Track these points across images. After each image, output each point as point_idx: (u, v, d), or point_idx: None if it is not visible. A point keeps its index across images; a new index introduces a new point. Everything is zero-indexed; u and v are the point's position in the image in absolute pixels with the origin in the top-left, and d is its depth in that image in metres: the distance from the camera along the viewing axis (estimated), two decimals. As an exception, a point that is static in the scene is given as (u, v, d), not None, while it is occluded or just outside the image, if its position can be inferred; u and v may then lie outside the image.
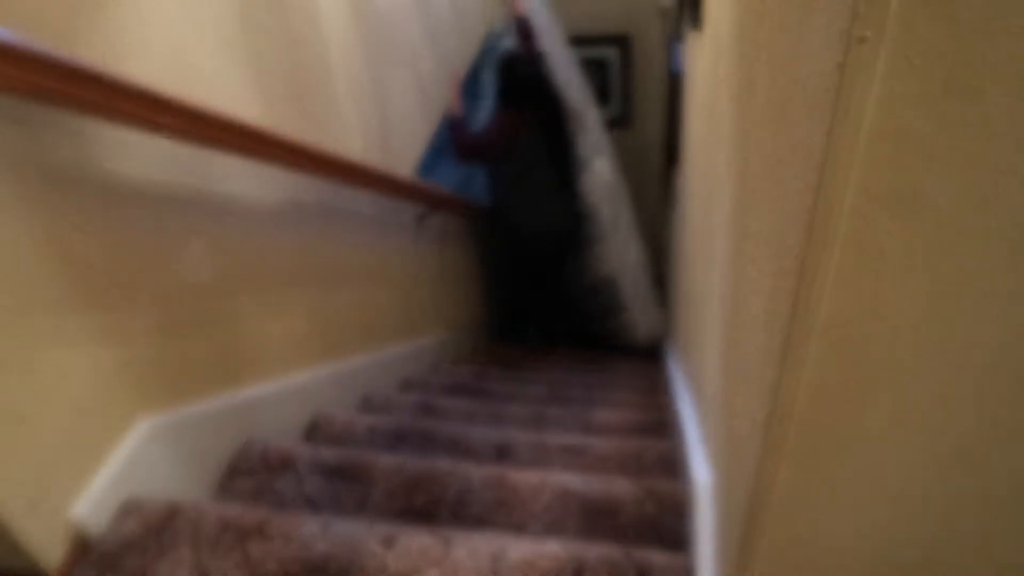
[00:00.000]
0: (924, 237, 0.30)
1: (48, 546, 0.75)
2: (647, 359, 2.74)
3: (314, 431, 1.32)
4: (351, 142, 1.55)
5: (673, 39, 2.10)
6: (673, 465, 1.20)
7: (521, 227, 2.50)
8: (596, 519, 0.98)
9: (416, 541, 0.80)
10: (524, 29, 2.47)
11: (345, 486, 1.04)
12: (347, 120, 1.52)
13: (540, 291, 2.82)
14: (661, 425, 1.47)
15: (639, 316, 2.74)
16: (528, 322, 3.05)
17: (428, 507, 1.01)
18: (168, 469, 0.94)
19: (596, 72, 3.56)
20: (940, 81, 0.27)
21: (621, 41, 3.47)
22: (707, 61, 0.97)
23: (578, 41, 3.50)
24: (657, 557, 0.79)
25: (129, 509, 0.84)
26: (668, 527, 0.96)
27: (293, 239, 1.28)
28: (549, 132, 2.44)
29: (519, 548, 0.80)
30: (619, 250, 2.67)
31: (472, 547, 0.79)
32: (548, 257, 2.64)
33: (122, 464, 0.84)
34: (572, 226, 2.58)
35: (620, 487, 1.01)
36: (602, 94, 3.60)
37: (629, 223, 2.73)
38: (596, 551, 0.80)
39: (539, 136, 2.41)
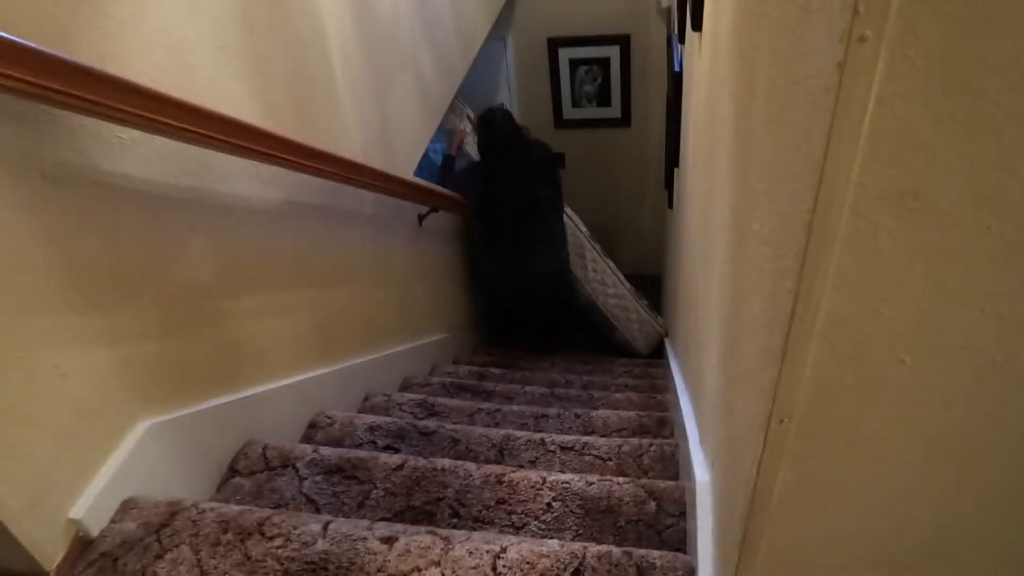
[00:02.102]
0: (924, 237, 0.30)
1: (48, 546, 0.75)
2: (647, 358, 2.76)
3: (314, 431, 1.32)
4: (351, 141, 1.55)
5: (674, 39, 2.10)
6: (673, 464, 1.20)
7: (500, 288, 2.54)
8: (596, 518, 0.98)
9: (416, 540, 0.80)
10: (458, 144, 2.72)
11: (345, 485, 1.04)
12: (348, 120, 1.52)
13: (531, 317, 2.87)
14: (661, 424, 1.47)
15: (633, 331, 2.85)
16: (520, 327, 3.06)
17: (428, 506, 1.01)
18: (168, 468, 0.94)
19: (596, 72, 3.56)
20: (940, 81, 0.27)
21: (621, 41, 3.46)
22: (707, 61, 0.97)
23: (578, 41, 3.50)
24: (657, 557, 0.79)
25: (129, 508, 0.84)
26: (668, 527, 0.96)
27: (293, 239, 1.28)
28: (525, 183, 2.45)
29: (519, 547, 0.80)
30: (592, 282, 2.84)
31: (472, 546, 0.79)
32: (533, 306, 2.68)
33: (122, 464, 0.84)
34: (554, 279, 2.61)
35: (620, 486, 1.01)
36: (602, 94, 3.60)
37: (595, 258, 2.87)
38: (596, 550, 0.80)
39: (517, 190, 2.42)
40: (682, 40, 1.71)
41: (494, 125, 2.39)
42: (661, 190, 3.00)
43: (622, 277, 2.91)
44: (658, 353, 2.79)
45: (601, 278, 2.86)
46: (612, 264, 2.89)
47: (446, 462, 1.07)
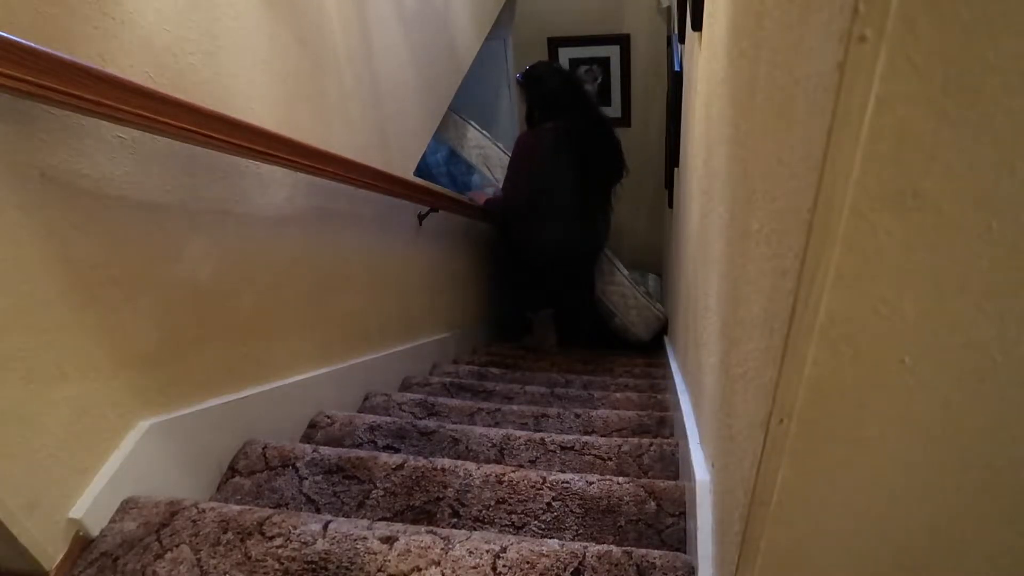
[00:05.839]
0: (924, 237, 0.30)
1: (48, 545, 0.75)
2: (648, 355, 2.77)
3: (314, 430, 1.32)
4: (353, 141, 1.55)
5: (674, 39, 2.10)
6: (673, 464, 1.20)
7: (538, 249, 2.53)
8: (596, 518, 0.98)
9: (416, 540, 0.80)
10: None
11: (345, 485, 1.04)
12: (349, 119, 1.52)
13: (556, 296, 2.88)
14: (661, 424, 1.47)
15: (632, 317, 2.92)
16: (532, 321, 3.07)
17: (428, 506, 1.01)
18: (168, 468, 0.94)
19: (596, 72, 3.56)
20: (940, 81, 0.27)
21: (621, 41, 3.46)
22: (707, 61, 0.97)
23: (578, 41, 3.50)
24: (657, 556, 0.79)
25: (129, 508, 0.84)
26: (668, 526, 0.96)
27: (293, 238, 1.28)
28: (579, 146, 2.41)
29: (519, 547, 0.80)
30: (599, 274, 2.92)
31: (472, 546, 0.79)
32: (564, 275, 2.69)
33: (122, 463, 0.84)
34: (589, 248, 2.64)
35: (620, 486, 1.01)
36: (602, 94, 3.60)
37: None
38: (596, 550, 0.80)
39: (566, 153, 2.40)
40: (682, 40, 1.71)
41: (541, 80, 2.42)
42: (661, 190, 3.00)
43: (619, 264, 2.94)
44: (659, 338, 2.82)
45: (599, 267, 2.91)
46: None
47: (446, 462, 1.07)
